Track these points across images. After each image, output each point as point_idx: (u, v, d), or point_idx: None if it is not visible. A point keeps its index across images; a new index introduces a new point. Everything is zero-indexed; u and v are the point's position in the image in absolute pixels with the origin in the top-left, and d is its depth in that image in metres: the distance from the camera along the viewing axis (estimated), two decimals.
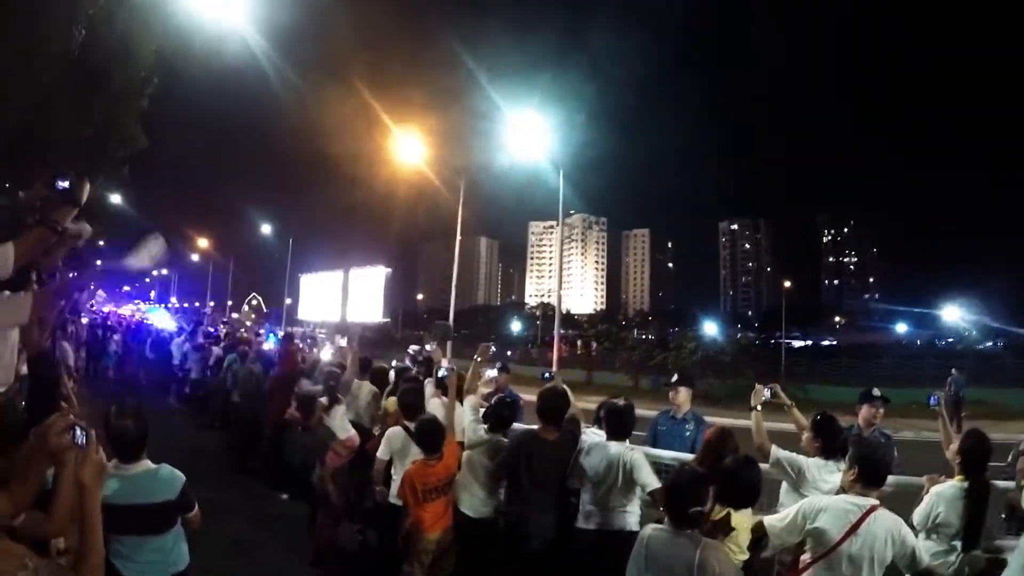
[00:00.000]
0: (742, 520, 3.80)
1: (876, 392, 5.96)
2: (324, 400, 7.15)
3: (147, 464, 3.64)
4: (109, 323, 26.23)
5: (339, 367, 8.12)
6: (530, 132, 22.56)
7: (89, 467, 2.29)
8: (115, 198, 23.24)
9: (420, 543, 5.07)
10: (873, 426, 5.80)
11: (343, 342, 11.17)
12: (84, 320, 20.29)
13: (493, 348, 7.36)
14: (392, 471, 5.88)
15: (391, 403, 7.17)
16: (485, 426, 5.57)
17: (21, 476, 2.47)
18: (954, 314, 69.26)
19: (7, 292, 3.20)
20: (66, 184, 3.25)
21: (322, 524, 6.72)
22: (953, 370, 21.42)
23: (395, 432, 5.92)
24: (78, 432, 2.35)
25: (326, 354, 9.86)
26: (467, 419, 5.74)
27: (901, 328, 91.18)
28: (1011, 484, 4.59)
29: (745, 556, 3.80)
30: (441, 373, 6.62)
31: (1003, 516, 4.61)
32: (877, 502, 3.50)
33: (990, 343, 62.40)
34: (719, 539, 3.47)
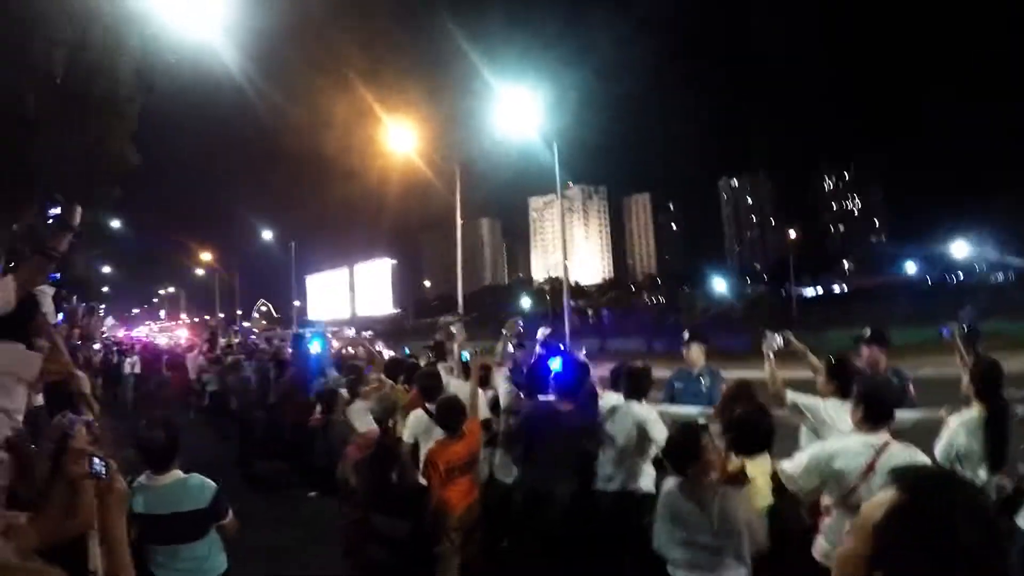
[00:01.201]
0: (760, 467, 3.85)
1: (866, 332, 5.84)
2: (345, 395, 7.20)
3: (177, 474, 3.69)
4: (123, 347, 26.25)
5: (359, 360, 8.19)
6: (522, 108, 22.45)
7: (112, 496, 2.33)
8: (113, 222, 23.25)
9: (449, 521, 5.12)
10: (878, 365, 5.67)
11: (350, 332, 11.28)
12: (96, 346, 20.28)
13: (520, 322, 7.42)
14: (419, 455, 5.93)
15: (398, 392, 7.28)
16: (521, 393, 5.67)
17: (46, 505, 2.51)
18: (963, 250, 69.05)
19: (21, 346, 3.21)
20: (57, 210, 3.27)
21: (350, 517, 6.78)
22: (967, 306, 21.31)
23: (417, 415, 5.98)
24: (96, 461, 2.36)
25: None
26: (501, 389, 5.86)
27: (911, 268, 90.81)
28: None
29: (769, 501, 3.85)
30: (465, 356, 6.69)
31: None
32: (889, 437, 3.51)
33: (1001, 276, 62.06)
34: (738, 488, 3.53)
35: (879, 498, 1.25)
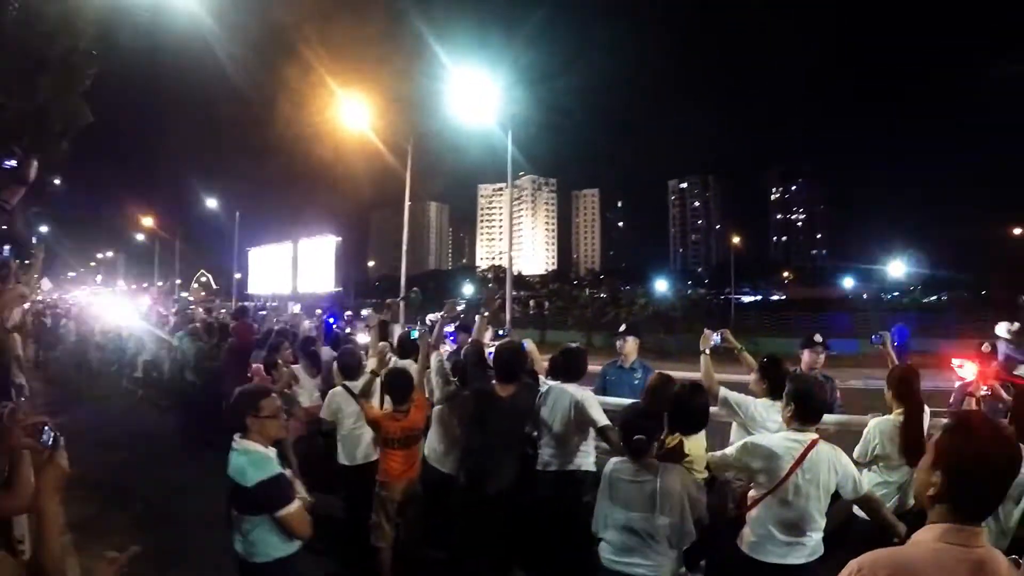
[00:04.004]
0: (697, 446, 4.02)
1: (817, 338, 6.14)
2: (296, 369, 7.13)
3: (246, 443, 3.59)
4: (59, 310, 25.33)
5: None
6: (478, 94, 22.34)
7: (52, 472, 2.28)
8: (55, 179, 22.50)
9: (384, 491, 5.23)
10: (814, 371, 5.95)
11: (296, 308, 11.15)
12: (26, 306, 19.62)
13: (461, 305, 7.39)
14: (337, 432, 6.00)
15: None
16: (455, 380, 5.68)
17: None
18: (899, 269, 70.96)
19: None
20: (13, 163, 3.22)
21: None
22: (898, 324, 21.81)
23: (336, 392, 6.05)
24: (46, 429, 2.34)
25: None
26: (433, 375, 5.75)
27: (848, 283, 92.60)
28: None
29: (705, 475, 4.00)
30: (413, 334, 6.67)
31: None
32: (816, 436, 3.62)
33: (934, 297, 63.75)
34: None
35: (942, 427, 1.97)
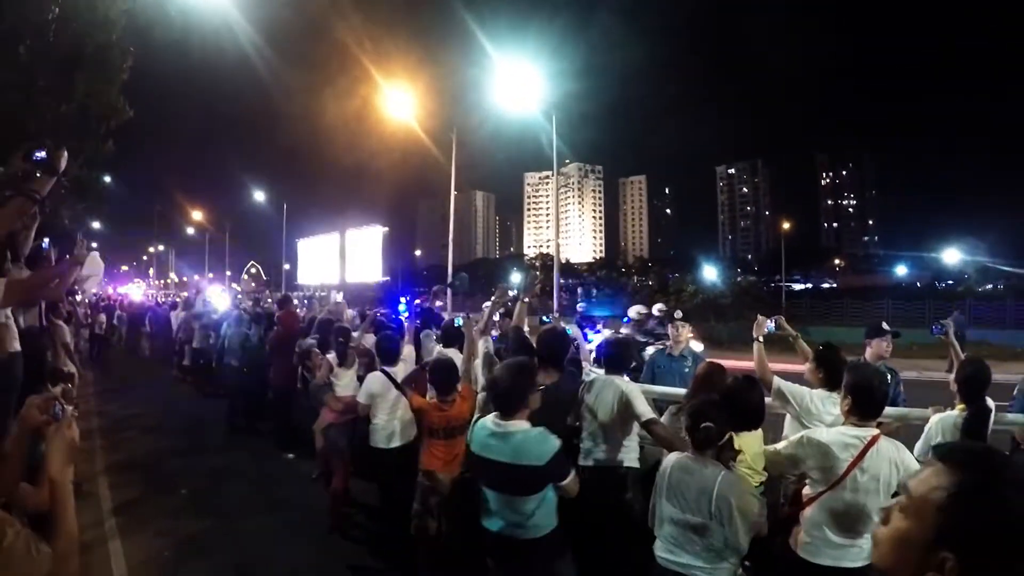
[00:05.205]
0: (751, 442, 3.79)
1: (886, 326, 5.76)
2: (333, 359, 7.08)
3: (521, 424, 3.52)
4: (109, 303, 26.02)
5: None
6: (523, 82, 22.23)
7: (58, 442, 2.24)
8: (105, 177, 23.07)
9: (426, 481, 5.09)
10: (882, 360, 5.57)
11: (339, 297, 11.16)
12: (78, 298, 20.06)
13: (512, 291, 7.23)
14: (372, 417, 5.91)
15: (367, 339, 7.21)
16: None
17: (6, 456, 2.45)
18: (954, 256, 68.98)
19: None
20: (43, 154, 3.20)
21: (328, 478, 6.77)
22: (955, 312, 21.25)
23: (374, 377, 5.94)
24: (57, 405, 2.33)
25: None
26: (480, 363, 5.63)
27: (901, 271, 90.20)
28: (1020, 417, 4.50)
29: (763, 477, 3.78)
30: (458, 322, 6.56)
31: (1008, 453, 4.54)
32: (877, 431, 3.40)
33: (990, 285, 62.09)
34: (729, 464, 3.43)
35: (928, 477, 1.24)
